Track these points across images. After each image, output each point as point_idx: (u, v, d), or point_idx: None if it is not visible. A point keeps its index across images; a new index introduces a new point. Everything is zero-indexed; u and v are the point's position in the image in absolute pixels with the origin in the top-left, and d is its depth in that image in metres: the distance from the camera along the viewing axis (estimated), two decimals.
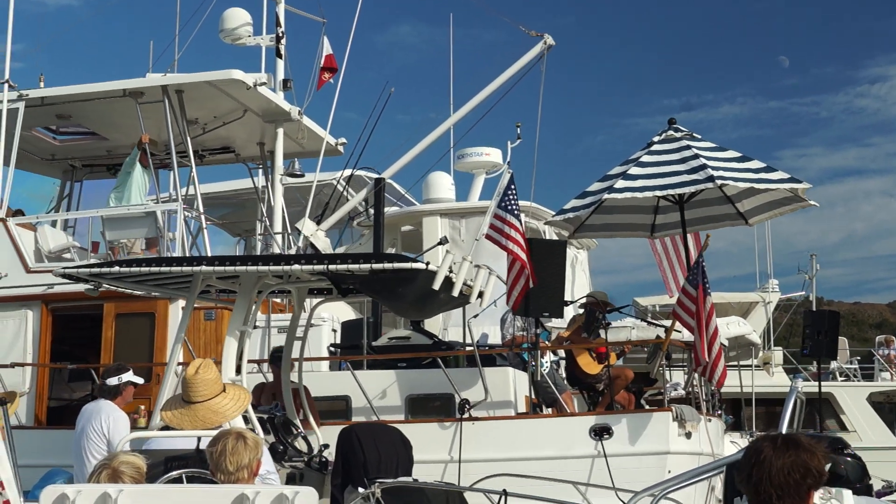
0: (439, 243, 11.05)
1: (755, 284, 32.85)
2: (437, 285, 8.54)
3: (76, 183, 17.60)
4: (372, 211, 17.30)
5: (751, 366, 21.31)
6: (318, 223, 15.08)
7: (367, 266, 8.52)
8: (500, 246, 11.29)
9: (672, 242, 15.56)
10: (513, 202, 11.21)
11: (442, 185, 18.91)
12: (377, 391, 12.27)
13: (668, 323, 14.30)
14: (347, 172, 16.16)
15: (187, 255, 13.45)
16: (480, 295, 9.25)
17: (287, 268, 8.85)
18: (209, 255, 13.63)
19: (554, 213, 13.49)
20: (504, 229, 11.12)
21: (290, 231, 16.16)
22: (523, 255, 11.02)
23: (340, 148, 16.51)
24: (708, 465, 9.92)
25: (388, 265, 8.51)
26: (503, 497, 8.93)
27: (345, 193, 16.77)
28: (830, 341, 18.14)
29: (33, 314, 13.77)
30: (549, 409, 12.59)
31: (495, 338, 14.71)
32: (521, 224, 11.18)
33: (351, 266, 8.62)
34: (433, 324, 15.65)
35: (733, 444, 14.07)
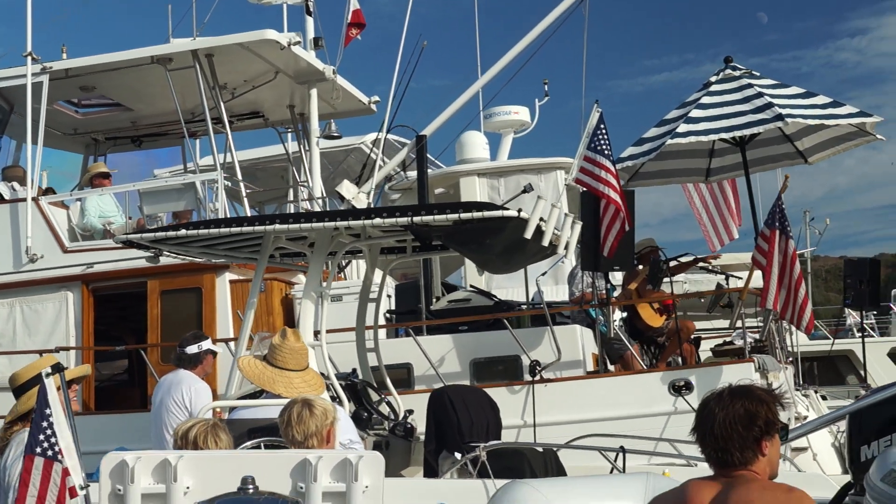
0: (523, 191, 10.44)
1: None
2: (528, 234, 7.91)
3: (99, 157, 17.00)
4: (406, 173, 16.69)
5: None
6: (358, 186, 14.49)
7: (454, 216, 7.91)
8: (592, 190, 10.61)
9: (709, 189, 14.93)
10: (604, 143, 10.49)
11: (476, 144, 18.18)
12: (439, 357, 11.79)
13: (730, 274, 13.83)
14: (381, 133, 15.56)
15: None
16: (566, 246, 8.57)
17: (367, 222, 8.10)
18: None
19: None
20: (596, 172, 10.48)
21: (325, 195, 15.57)
22: (619, 199, 10.41)
23: (373, 106, 15.91)
24: (828, 414, 9.50)
25: (476, 214, 7.88)
26: (619, 454, 8.49)
27: (377, 160, 16.14)
28: (872, 291, 17.69)
29: (73, 295, 13.19)
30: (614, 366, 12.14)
31: (548, 296, 14.14)
32: (613, 166, 10.54)
33: (437, 217, 7.97)
34: (477, 284, 15.10)
35: None
